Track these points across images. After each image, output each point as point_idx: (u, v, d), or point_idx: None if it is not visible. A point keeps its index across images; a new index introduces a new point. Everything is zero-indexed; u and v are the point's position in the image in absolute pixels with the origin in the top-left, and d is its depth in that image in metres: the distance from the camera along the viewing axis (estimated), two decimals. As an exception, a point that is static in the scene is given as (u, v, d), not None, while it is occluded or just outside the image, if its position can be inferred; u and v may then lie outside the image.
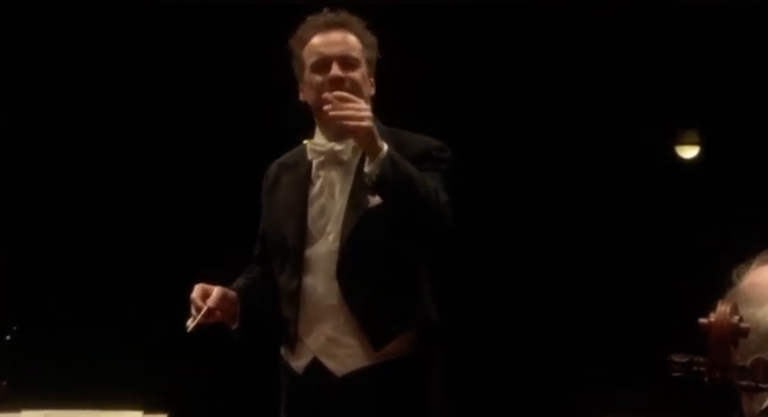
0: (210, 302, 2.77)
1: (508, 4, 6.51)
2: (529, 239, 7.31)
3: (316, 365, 2.81)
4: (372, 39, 2.98)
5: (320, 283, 2.82)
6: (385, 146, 2.66)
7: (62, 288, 6.74)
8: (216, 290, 2.81)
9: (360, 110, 2.68)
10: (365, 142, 2.68)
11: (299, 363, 2.84)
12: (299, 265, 2.84)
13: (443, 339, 2.87)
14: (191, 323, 2.76)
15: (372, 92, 2.96)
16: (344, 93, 2.73)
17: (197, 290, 2.81)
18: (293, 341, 2.84)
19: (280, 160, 3.06)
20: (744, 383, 1.65)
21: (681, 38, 6.55)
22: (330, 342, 2.79)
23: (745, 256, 1.94)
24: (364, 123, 2.65)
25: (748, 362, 1.66)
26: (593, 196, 7.21)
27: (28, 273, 6.65)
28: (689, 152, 7.42)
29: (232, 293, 2.88)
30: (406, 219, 2.72)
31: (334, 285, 2.81)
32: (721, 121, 6.96)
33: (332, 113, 2.67)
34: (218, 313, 2.80)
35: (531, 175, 7.30)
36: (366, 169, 2.67)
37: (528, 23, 6.61)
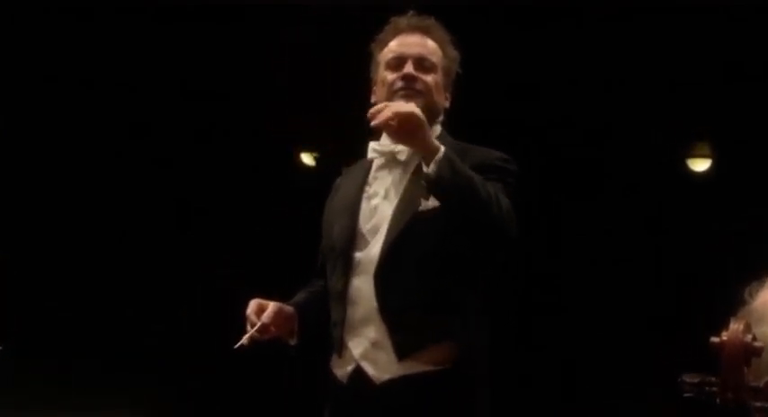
0: (265, 318, 2.73)
1: (517, 3, 6.48)
2: (529, 239, 7.28)
3: (358, 372, 2.75)
4: (455, 53, 2.93)
5: (366, 285, 2.74)
6: (442, 147, 2.60)
7: (61, 289, 6.73)
8: (271, 306, 2.77)
9: (399, 106, 2.63)
10: (416, 142, 2.62)
11: (343, 371, 2.79)
12: (348, 266, 2.78)
13: (486, 357, 2.77)
14: (245, 339, 2.72)
15: (446, 105, 2.91)
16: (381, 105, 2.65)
17: (252, 306, 2.77)
18: (339, 347, 2.79)
19: (348, 167, 3.02)
20: (757, 404, 1.61)
21: (690, 39, 6.50)
22: (373, 347, 2.73)
23: (757, 270, 1.90)
24: (405, 109, 2.59)
25: (762, 383, 1.62)
26: (599, 196, 7.18)
27: (28, 273, 6.64)
28: (699, 164, 7.37)
29: (288, 308, 2.83)
30: (465, 224, 2.64)
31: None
32: (727, 122, 6.93)
33: (375, 121, 2.60)
34: (273, 328, 2.76)
35: (537, 175, 7.27)
36: (424, 169, 2.59)
37: (533, 23, 6.58)
